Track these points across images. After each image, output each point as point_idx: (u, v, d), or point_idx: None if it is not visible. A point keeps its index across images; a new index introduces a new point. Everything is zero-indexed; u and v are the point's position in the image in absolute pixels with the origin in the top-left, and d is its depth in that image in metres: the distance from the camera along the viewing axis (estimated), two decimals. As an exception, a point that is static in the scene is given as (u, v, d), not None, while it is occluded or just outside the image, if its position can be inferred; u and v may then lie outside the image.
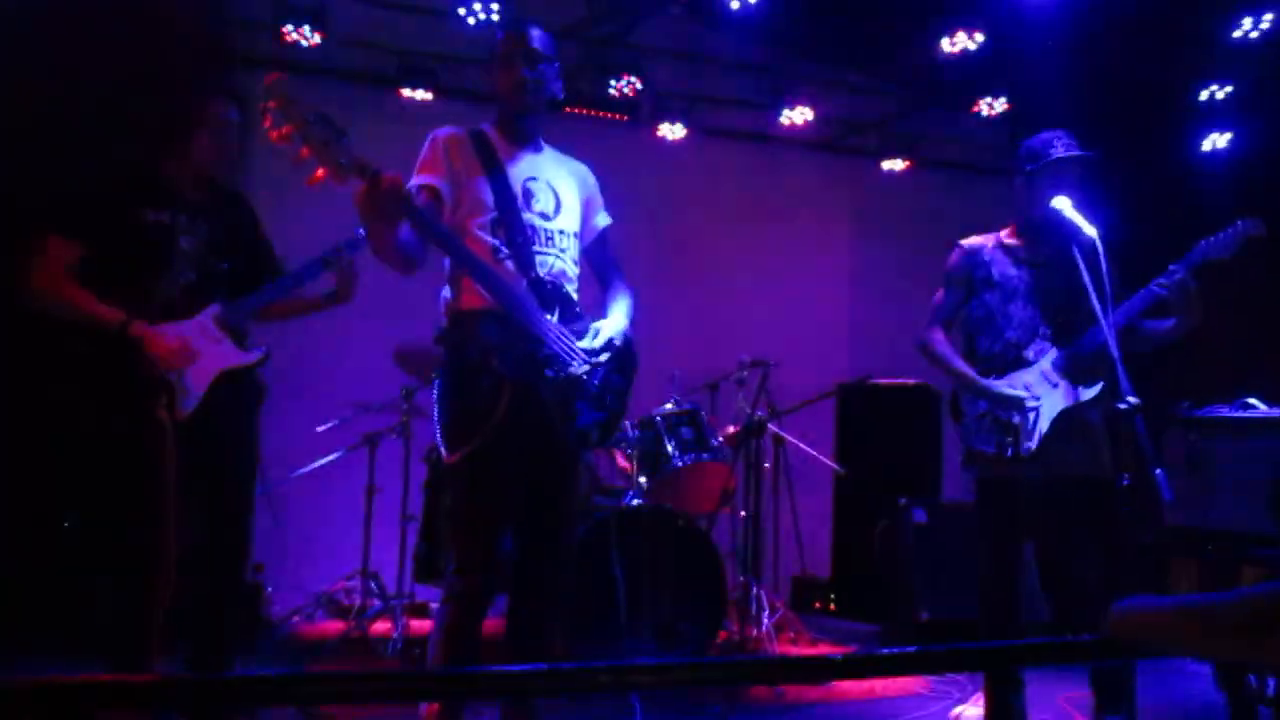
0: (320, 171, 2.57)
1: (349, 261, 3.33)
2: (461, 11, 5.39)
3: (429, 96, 6.23)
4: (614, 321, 3.02)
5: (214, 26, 5.34)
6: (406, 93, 6.20)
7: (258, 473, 3.33)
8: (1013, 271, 3.56)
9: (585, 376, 2.87)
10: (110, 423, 2.99)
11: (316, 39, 5.62)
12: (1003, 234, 3.65)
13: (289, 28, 5.58)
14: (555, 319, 2.87)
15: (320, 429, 5.14)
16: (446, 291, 2.95)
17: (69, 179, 3.06)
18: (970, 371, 3.55)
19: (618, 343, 2.96)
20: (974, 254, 3.63)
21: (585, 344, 2.90)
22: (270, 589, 5.33)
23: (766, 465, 5.36)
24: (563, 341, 2.86)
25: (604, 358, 2.90)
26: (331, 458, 5.20)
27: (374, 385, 5.26)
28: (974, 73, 6.36)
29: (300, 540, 5.39)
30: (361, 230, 3.03)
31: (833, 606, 6.64)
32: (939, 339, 3.64)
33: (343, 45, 6.05)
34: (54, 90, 4.67)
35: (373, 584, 5.22)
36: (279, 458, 3.56)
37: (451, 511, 2.95)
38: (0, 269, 3.07)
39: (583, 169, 3.17)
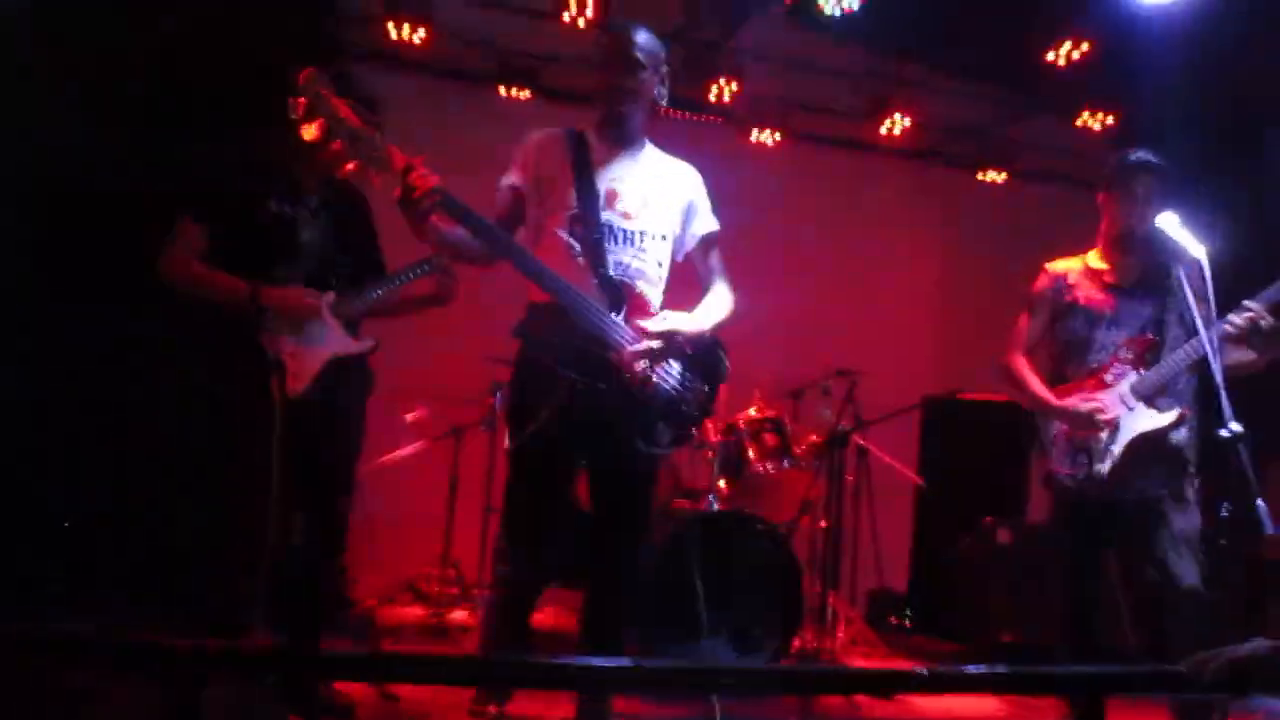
0: (351, 164, 2.63)
1: (448, 264, 3.42)
2: (565, 15, 5.44)
3: (527, 95, 6.31)
4: (689, 316, 3.00)
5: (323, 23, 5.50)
6: (505, 91, 6.29)
7: (359, 457, 3.42)
8: (1099, 296, 3.53)
9: (653, 376, 2.87)
10: (224, 393, 3.13)
11: (421, 34, 5.72)
12: (1090, 256, 3.61)
13: (392, 25, 5.69)
14: (621, 317, 2.88)
15: (409, 417, 5.24)
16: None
17: (201, 168, 3.21)
18: (1045, 392, 3.54)
19: (684, 337, 2.92)
20: (1059, 279, 3.62)
21: (649, 328, 2.88)
22: (354, 572, 5.45)
23: (849, 476, 5.31)
24: (624, 340, 2.85)
25: (656, 346, 2.87)
26: (418, 446, 5.30)
27: (463, 378, 5.35)
28: (1081, 82, 6.20)
29: (386, 526, 5.49)
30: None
31: (908, 623, 6.55)
32: (1020, 363, 3.63)
33: (447, 42, 6.16)
34: (182, 85, 4.86)
35: (453, 573, 5.30)
36: (369, 444, 3.68)
37: (504, 499, 3.01)
38: (137, 250, 3.23)
39: (688, 172, 3.17)
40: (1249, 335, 3.16)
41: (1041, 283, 3.65)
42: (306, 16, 5.58)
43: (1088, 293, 3.54)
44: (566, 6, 5.43)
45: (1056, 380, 3.59)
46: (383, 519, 5.50)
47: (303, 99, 2.56)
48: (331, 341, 3.25)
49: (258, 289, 3.11)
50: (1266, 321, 3.15)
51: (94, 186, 4.72)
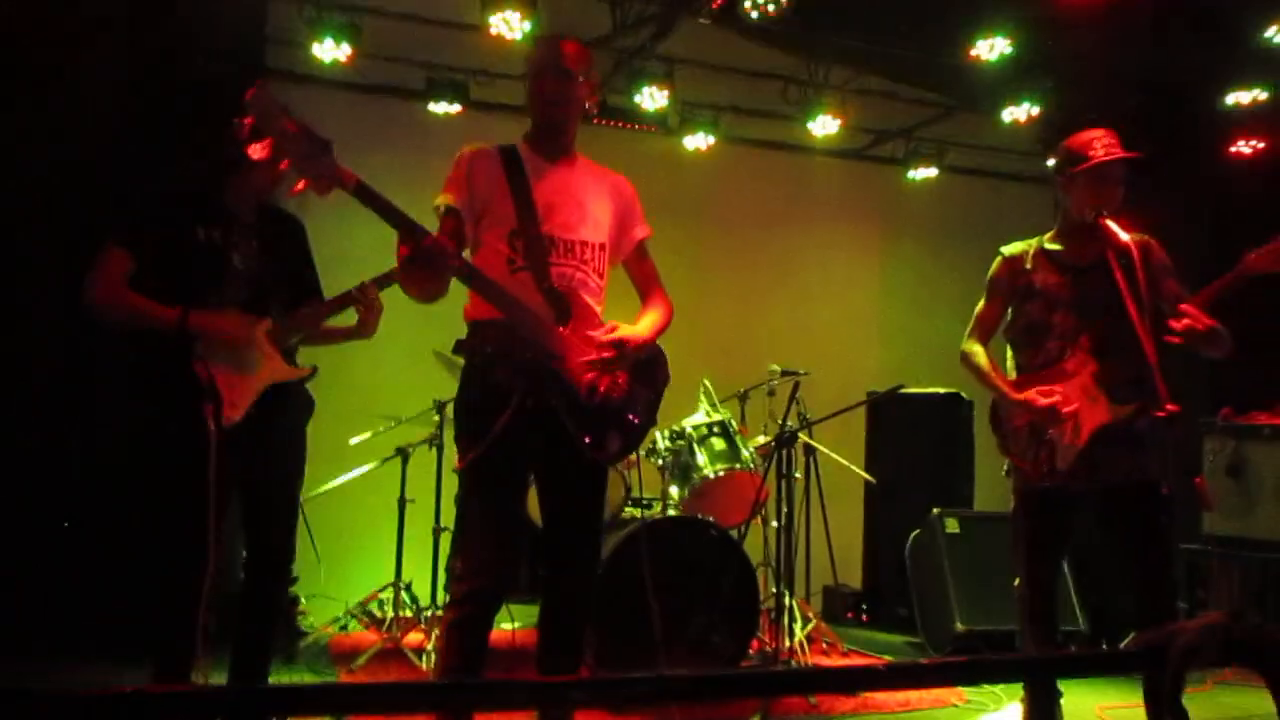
0: (301, 183, 2.59)
1: (375, 298, 3.36)
2: (490, 25, 5.41)
3: (457, 110, 6.27)
4: (636, 328, 3.01)
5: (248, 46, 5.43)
6: (434, 106, 6.24)
7: (301, 483, 3.36)
8: (1055, 279, 3.49)
9: (599, 386, 2.86)
10: (157, 425, 3.05)
11: (345, 53, 5.65)
12: (1046, 239, 3.59)
13: (319, 45, 5.62)
14: (569, 329, 2.87)
15: (354, 441, 5.16)
16: (466, 301, 2.98)
17: (127, 195, 3.12)
18: (1004, 384, 3.51)
19: (632, 348, 2.93)
20: (1015, 262, 3.58)
21: (597, 338, 2.88)
22: (304, 599, 5.36)
23: (798, 475, 5.33)
24: (571, 350, 2.85)
25: (608, 356, 2.87)
26: (365, 469, 5.22)
27: (407, 397, 5.29)
28: (1003, 78, 6.31)
29: (334, 551, 5.41)
30: (395, 271, 3.04)
31: (865, 618, 6.61)
32: (977, 350, 3.60)
33: (373, 59, 6.10)
34: (110, 113, 4.76)
35: (405, 595, 5.23)
36: (312, 469, 3.61)
37: (457, 516, 2.99)
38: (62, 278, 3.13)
39: (619, 181, 3.17)
40: (1187, 339, 3.12)
41: (997, 268, 3.62)
42: (236, 38, 5.50)
43: (1044, 275, 3.50)
44: (494, 20, 5.39)
45: (1018, 368, 3.57)
46: (332, 544, 5.43)
47: (249, 117, 2.50)
48: (267, 368, 3.18)
49: (186, 314, 3.02)
50: (1202, 326, 3.11)
51: (26, 206, 4.62)
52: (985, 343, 3.63)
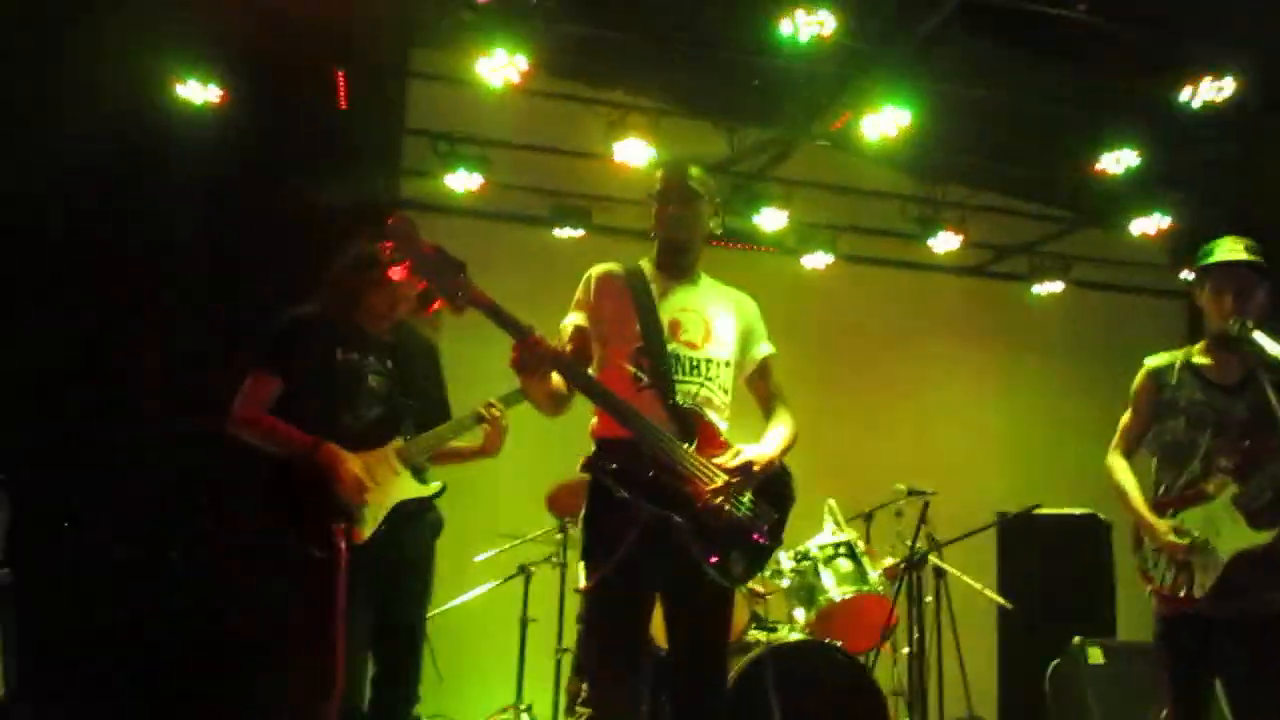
0: (436, 303, 2.67)
1: (501, 417, 3.46)
2: (614, 153, 5.59)
3: (580, 235, 6.45)
4: (761, 447, 2.98)
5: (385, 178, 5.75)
6: (559, 232, 6.44)
7: (428, 603, 3.39)
8: (1200, 396, 3.35)
9: (727, 506, 2.82)
10: (289, 544, 3.13)
11: (477, 183, 5.91)
12: (1195, 351, 3.46)
13: (452, 176, 5.89)
14: (693, 446, 2.85)
15: (479, 559, 5.19)
16: (593, 419, 3.00)
17: (274, 321, 3.30)
18: (1140, 506, 3.38)
19: (758, 468, 2.89)
20: (1158, 376, 3.46)
21: (725, 464, 2.85)
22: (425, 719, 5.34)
23: (928, 599, 5.13)
24: (697, 470, 2.83)
25: (735, 480, 2.84)
26: (487, 587, 5.23)
27: (531, 515, 5.31)
28: (1130, 191, 6.19)
29: (455, 671, 5.37)
30: (520, 391, 3.11)
31: (1004, 752, 6.22)
32: (1119, 466, 3.49)
33: (501, 189, 6.35)
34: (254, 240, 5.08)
35: (526, 718, 5.16)
36: (435, 586, 3.66)
37: (579, 637, 2.94)
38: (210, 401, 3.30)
39: (743, 299, 3.20)
40: None
41: (1141, 380, 3.51)
42: (373, 170, 5.83)
43: (1190, 393, 3.37)
44: (618, 148, 5.58)
45: (1161, 486, 3.42)
46: (453, 664, 5.42)
47: (390, 241, 2.63)
48: (397, 486, 3.25)
49: (317, 446, 3.13)
50: None
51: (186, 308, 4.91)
52: (1129, 456, 3.52)
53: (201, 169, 5.15)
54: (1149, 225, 6.39)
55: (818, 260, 6.78)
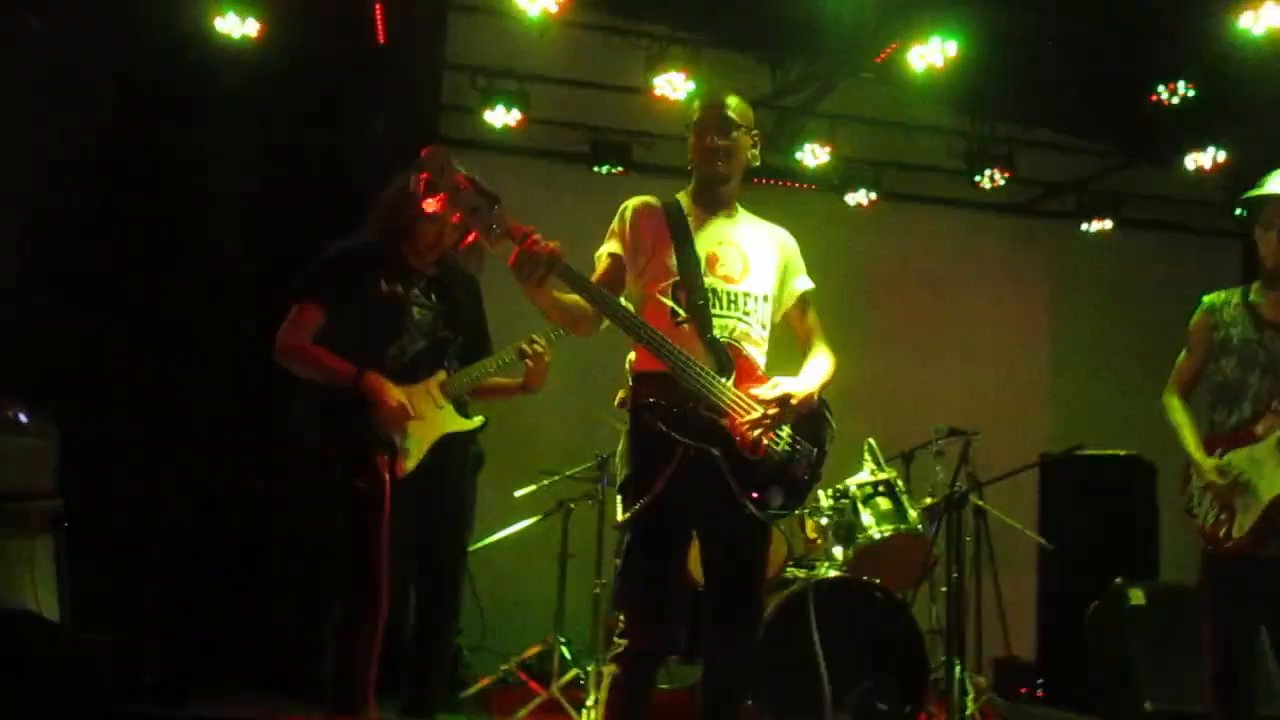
0: (471, 235, 2.64)
1: (544, 353, 3.45)
2: (654, 88, 5.51)
3: (620, 172, 6.39)
4: (799, 380, 2.95)
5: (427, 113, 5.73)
6: (599, 169, 6.39)
7: (470, 535, 3.44)
8: (1253, 335, 3.29)
9: (765, 439, 2.81)
10: (333, 471, 3.19)
11: (515, 119, 5.87)
12: (1253, 289, 3.39)
13: (490, 111, 5.85)
14: (731, 381, 2.84)
15: (519, 494, 5.24)
16: (630, 353, 2.98)
17: (319, 252, 3.33)
18: (1190, 444, 3.35)
19: (797, 401, 2.86)
20: (1214, 313, 3.40)
21: (762, 395, 2.83)
22: (467, 651, 5.43)
23: (967, 539, 5.11)
24: (735, 404, 2.81)
25: (773, 413, 2.81)
26: (527, 523, 5.28)
27: (570, 452, 5.35)
28: (1183, 125, 6.00)
29: (496, 605, 5.47)
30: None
31: (1040, 693, 6.22)
32: (1175, 405, 3.45)
33: (540, 124, 6.29)
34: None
35: (566, 650, 5.24)
36: (476, 522, 3.71)
37: (620, 571, 2.97)
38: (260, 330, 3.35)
39: (781, 233, 3.15)
40: None
41: (1198, 318, 3.46)
42: (414, 105, 5.80)
43: (1243, 331, 3.31)
44: (658, 81, 5.50)
45: (1212, 425, 3.39)
46: (494, 598, 5.51)
47: (425, 173, 2.62)
48: (440, 419, 3.28)
49: (361, 376, 3.16)
50: None
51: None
52: (1186, 396, 3.47)
53: (243, 105, 5.15)
54: (1203, 160, 6.19)
55: (861, 197, 6.68)
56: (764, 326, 3.01)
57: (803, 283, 3.14)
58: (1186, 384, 3.48)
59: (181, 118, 5.10)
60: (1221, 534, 3.23)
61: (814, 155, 6.20)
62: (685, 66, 5.45)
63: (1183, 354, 3.50)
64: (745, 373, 2.88)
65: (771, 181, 6.69)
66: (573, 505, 5.26)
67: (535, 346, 3.45)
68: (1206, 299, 3.45)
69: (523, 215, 2.84)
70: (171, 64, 5.07)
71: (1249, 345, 3.29)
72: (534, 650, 5.44)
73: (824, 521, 4.75)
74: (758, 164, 3.11)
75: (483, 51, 6.07)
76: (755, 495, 2.83)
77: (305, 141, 5.25)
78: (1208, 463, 3.27)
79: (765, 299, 3.02)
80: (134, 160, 5.01)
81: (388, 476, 3.11)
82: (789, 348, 3.18)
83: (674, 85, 5.49)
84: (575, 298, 2.79)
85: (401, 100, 5.66)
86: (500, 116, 5.88)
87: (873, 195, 6.66)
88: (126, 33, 4.90)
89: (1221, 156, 6.15)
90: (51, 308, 4.71)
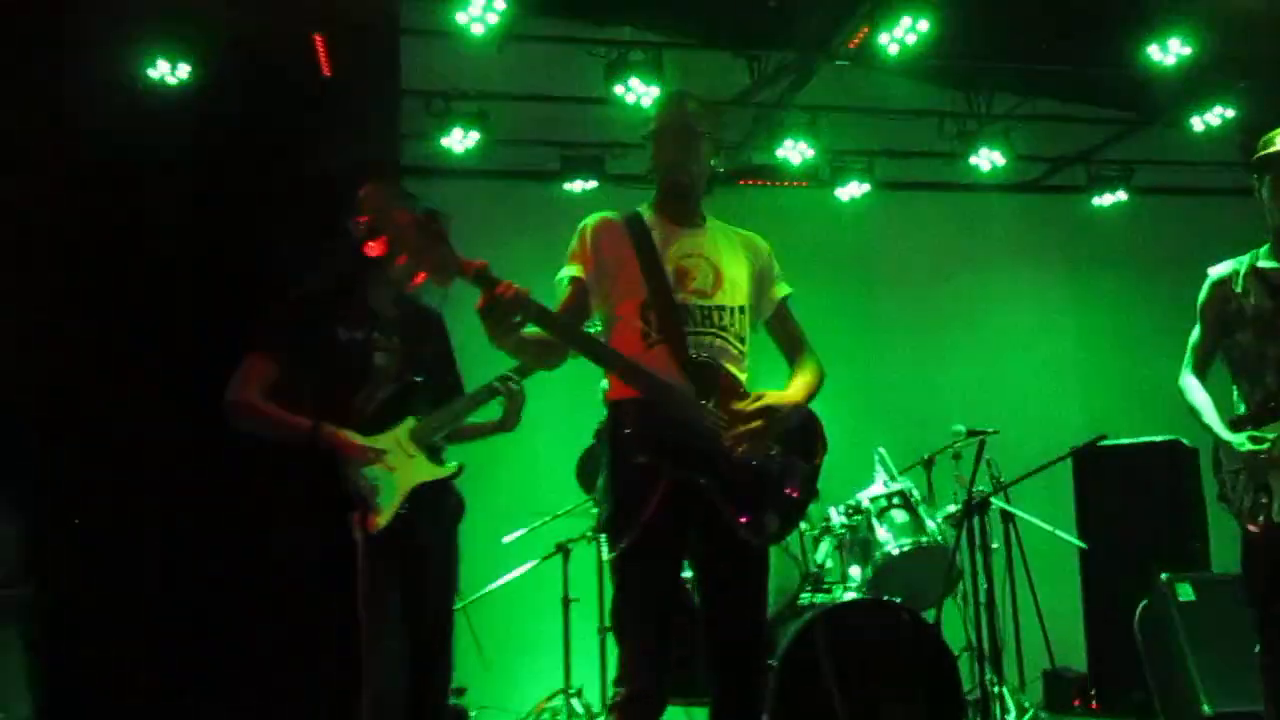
0: (420, 275, 2.66)
1: (517, 390, 3.47)
2: (618, 90, 5.58)
3: (593, 186, 6.47)
4: (784, 394, 2.97)
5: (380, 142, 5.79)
6: (570, 185, 6.46)
7: (456, 589, 3.45)
8: (1267, 304, 3.32)
9: (751, 461, 2.85)
10: (303, 538, 3.21)
11: (473, 139, 5.95)
12: (1261, 254, 3.42)
13: (447, 136, 5.93)
14: (713, 404, 2.87)
15: (506, 539, 5.28)
16: (603, 380, 3.02)
17: (270, 299, 3.36)
18: (1214, 423, 3.37)
19: (782, 416, 2.89)
20: (1223, 285, 3.44)
21: (746, 412, 2.85)
22: (474, 712, 5.47)
23: (995, 545, 5.14)
24: (719, 426, 2.84)
25: (759, 428, 2.84)
26: (524, 568, 5.33)
27: (564, 490, 5.39)
28: (1190, 83, 6.06)
29: (501, 658, 5.51)
30: None
31: (1095, 705, 6.22)
32: (1190, 385, 3.49)
33: (505, 145, 6.37)
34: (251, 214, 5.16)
35: (576, 703, 5.27)
36: (471, 571, 3.72)
37: (611, 614, 2.98)
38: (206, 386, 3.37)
39: (753, 239, 3.18)
40: None
41: (1206, 292, 3.49)
42: (368, 139, 5.87)
43: (1257, 300, 3.35)
44: (619, 89, 5.58)
45: (1242, 402, 3.41)
46: (498, 650, 5.54)
47: (365, 216, 2.65)
48: (413, 469, 3.30)
49: (318, 430, 3.17)
50: None
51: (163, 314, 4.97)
52: (1203, 374, 3.50)
53: (185, 154, 5.23)
54: (1212, 119, 6.25)
55: (853, 190, 6.74)
56: (742, 340, 3.03)
57: (780, 289, 3.16)
58: (1202, 363, 3.51)
59: (123, 175, 5.17)
60: (1260, 519, 3.23)
61: (799, 151, 6.26)
62: (649, 70, 5.52)
63: (1194, 331, 3.53)
64: (727, 392, 2.90)
65: (757, 182, 6.77)
66: (571, 546, 5.31)
67: (509, 383, 3.47)
68: (1213, 272, 3.49)
69: (491, 241, 2.90)
70: (109, 115, 5.15)
71: (1264, 314, 3.32)
72: (543, 704, 5.48)
73: (838, 541, 4.79)
74: (721, 170, 3.16)
75: (438, 74, 6.16)
76: (748, 520, 2.87)
77: (252, 188, 5.31)
78: (1238, 440, 3.28)
79: (741, 311, 3.04)
80: (70, 222, 5.07)
81: (361, 535, 3.14)
82: (775, 358, 3.24)
83: (639, 90, 5.56)
84: (539, 332, 2.81)
85: (356, 132, 5.73)
86: (458, 140, 5.96)
87: (865, 187, 6.72)
88: (59, 87, 4.98)
89: (1229, 113, 6.19)
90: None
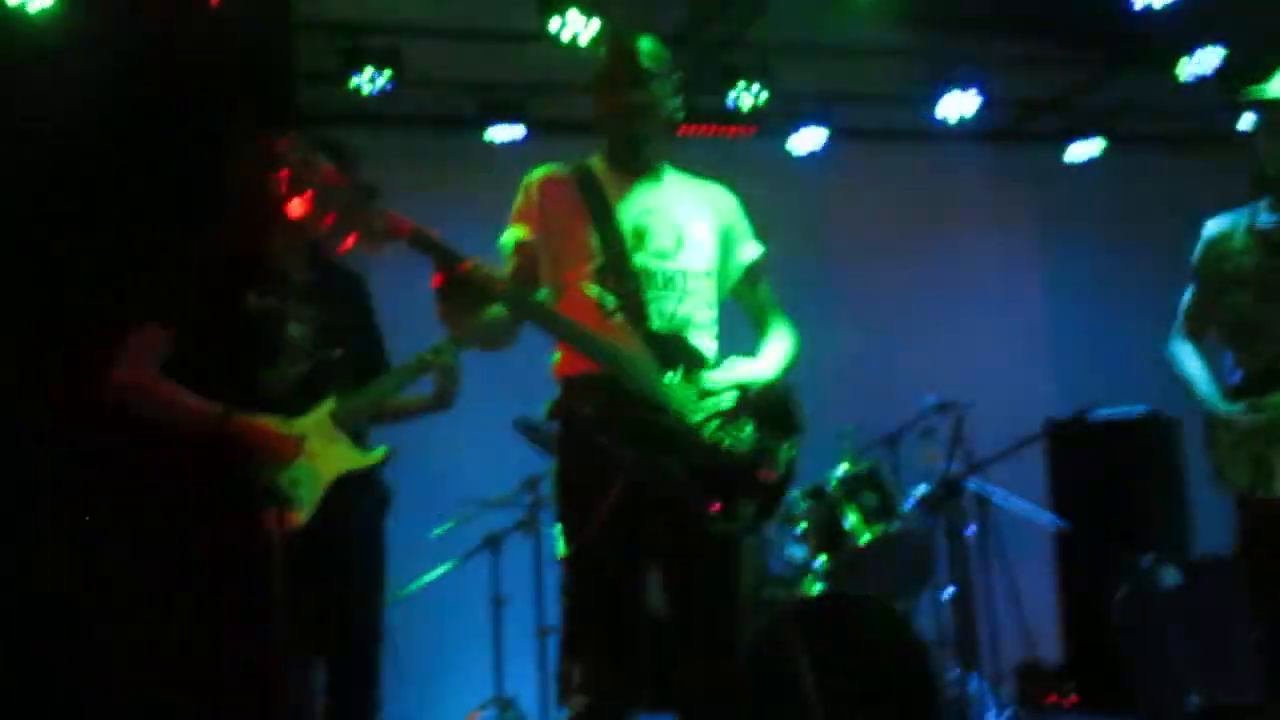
0: (351, 239, 2.60)
1: (452, 364, 3.39)
2: (551, 28, 5.48)
3: (520, 133, 6.37)
4: (757, 364, 2.97)
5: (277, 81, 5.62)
6: (493, 132, 6.36)
7: (382, 593, 3.36)
8: (1269, 263, 3.36)
9: (722, 441, 2.82)
10: (210, 538, 3.09)
11: (384, 81, 5.81)
12: (1261, 208, 3.46)
13: (358, 76, 5.78)
14: (678, 377, 2.85)
15: (436, 532, 5.20)
16: (555, 354, 2.97)
17: (163, 260, 3.20)
18: (1209, 391, 3.43)
19: (757, 388, 2.90)
20: (1219, 243, 3.48)
21: (716, 385, 2.85)
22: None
23: (970, 529, 5.20)
24: (686, 403, 2.83)
25: (728, 398, 2.85)
26: (448, 566, 5.25)
27: (493, 477, 5.32)
28: (1176, 19, 6.11)
29: (423, 669, 5.43)
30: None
31: (1074, 698, 6.36)
32: (1182, 352, 3.53)
33: (419, 88, 6.24)
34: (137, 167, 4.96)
35: (509, 713, 5.24)
36: (393, 570, 3.65)
37: (563, 614, 2.97)
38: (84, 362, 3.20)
39: (719, 191, 3.16)
40: None
41: (1201, 250, 3.53)
42: (267, 81, 5.69)
43: (1257, 260, 3.39)
44: (553, 23, 5.47)
45: (1238, 371, 3.46)
46: (420, 660, 5.47)
47: (285, 170, 2.56)
48: (334, 456, 3.21)
49: (225, 418, 3.04)
50: None
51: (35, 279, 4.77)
52: (1197, 338, 3.55)
53: (47, 96, 5.00)
54: (1205, 63, 6.32)
55: (807, 139, 6.72)
56: (709, 306, 3.02)
57: (750, 250, 3.15)
58: (1195, 327, 3.56)
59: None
60: (1260, 493, 3.29)
61: (749, 94, 6.21)
62: (584, 1, 5.43)
63: (1187, 293, 3.58)
64: (693, 364, 2.89)
65: (701, 129, 6.71)
66: (501, 539, 5.25)
67: (441, 357, 3.38)
68: (1209, 228, 3.53)
69: (408, 197, 2.81)
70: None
71: (1264, 274, 3.37)
72: (473, 716, 5.43)
73: (801, 528, 4.80)
74: (680, 116, 3.11)
75: (343, 5, 6.01)
76: (720, 507, 2.84)
77: (132, 134, 5.11)
78: (1235, 411, 3.34)
79: (708, 274, 3.03)
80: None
81: (275, 535, 3.04)
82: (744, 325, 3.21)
83: (573, 27, 5.47)
84: (501, 313, 2.78)
85: (248, 73, 5.55)
86: (369, 81, 5.81)
87: (821, 133, 6.70)
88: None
89: (1219, 54, 6.27)
90: None
